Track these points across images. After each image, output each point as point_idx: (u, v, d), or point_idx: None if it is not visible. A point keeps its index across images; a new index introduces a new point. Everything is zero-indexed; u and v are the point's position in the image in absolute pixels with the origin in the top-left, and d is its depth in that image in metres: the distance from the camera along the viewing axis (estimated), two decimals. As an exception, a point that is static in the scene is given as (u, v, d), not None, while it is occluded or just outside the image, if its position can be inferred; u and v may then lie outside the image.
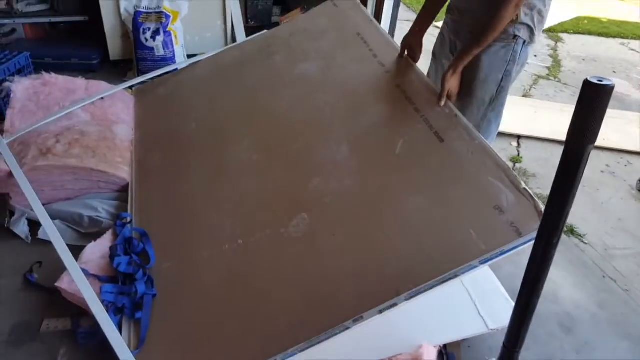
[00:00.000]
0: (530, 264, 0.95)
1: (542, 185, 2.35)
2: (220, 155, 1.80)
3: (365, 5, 2.86)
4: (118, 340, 1.22)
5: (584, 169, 0.72)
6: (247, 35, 3.01)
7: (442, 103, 1.52)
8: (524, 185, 1.26)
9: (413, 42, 1.70)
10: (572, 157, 0.72)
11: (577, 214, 2.13)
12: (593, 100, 0.67)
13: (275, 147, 1.74)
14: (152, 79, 2.41)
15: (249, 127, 1.88)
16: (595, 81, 0.66)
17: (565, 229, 1.97)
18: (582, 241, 2.01)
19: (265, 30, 2.44)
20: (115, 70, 2.92)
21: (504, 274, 1.53)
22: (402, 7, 3.24)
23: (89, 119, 1.98)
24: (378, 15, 2.81)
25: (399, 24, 3.06)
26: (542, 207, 1.18)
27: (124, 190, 1.82)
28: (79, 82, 2.21)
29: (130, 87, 2.38)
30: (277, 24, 3.21)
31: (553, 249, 0.89)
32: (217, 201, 1.63)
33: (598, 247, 1.99)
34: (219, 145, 1.84)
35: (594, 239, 2.03)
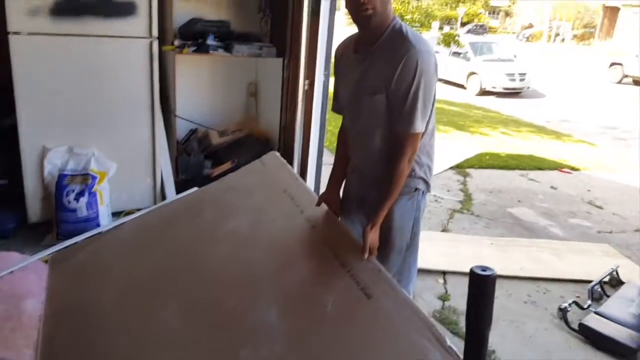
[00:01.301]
0: None
1: (472, 322, 2.40)
2: (139, 327, 1.67)
3: (291, 163, 3.09)
4: None
5: (486, 349, 0.77)
6: (177, 189, 3.08)
7: (366, 257, 1.59)
8: (449, 342, 1.29)
9: (332, 198, 1.86)
10: (475, 340, 0.77)
11: (508, 350, 2.17)
12: (480, 288, 0.75)
13: (202, 313, 1.65)
14: (69, 246, 2.31)
15: (174, 291, 1.79)
16: (479, 272, 0.74)
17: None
18: (517, 382, 2.02)
19: (194, 188, 2.52)
20: (33, 234, 2.75)
21: None
22: (326, 153, 3.46)
23: (-6, 296, 1.81)
24: (303, 171, 3.02)
25: (325, 169, 3.27)
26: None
27: (25, 379, 1.60)
28: (-14, 253, 2.07)
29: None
30: (208, 177, 3.30)
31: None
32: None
33: (533, 386, 2.00)
34: (139, 315, 1.72)
35: (527, 377, 2.05)
